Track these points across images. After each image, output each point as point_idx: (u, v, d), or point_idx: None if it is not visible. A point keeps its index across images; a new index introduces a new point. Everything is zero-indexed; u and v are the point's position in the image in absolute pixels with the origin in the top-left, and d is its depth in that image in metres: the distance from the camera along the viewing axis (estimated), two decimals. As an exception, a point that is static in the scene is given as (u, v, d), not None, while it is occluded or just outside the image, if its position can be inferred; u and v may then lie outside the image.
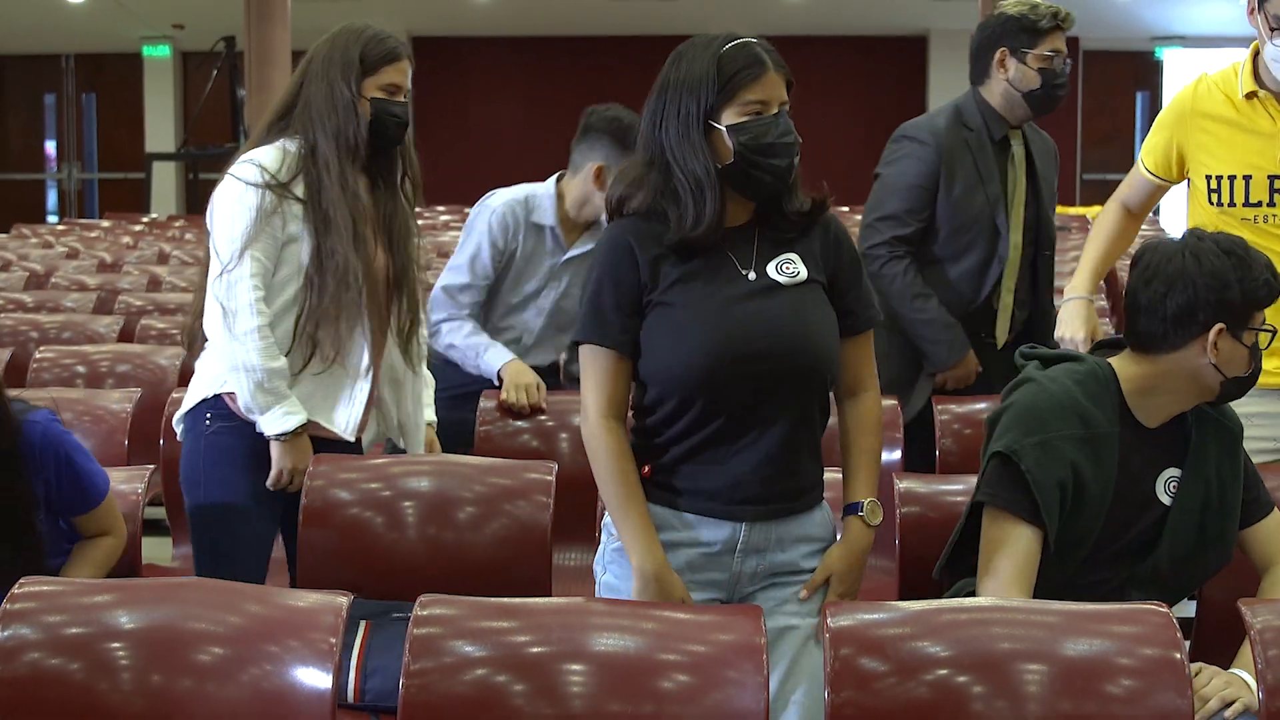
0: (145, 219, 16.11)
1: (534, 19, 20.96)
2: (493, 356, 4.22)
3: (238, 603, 2.36)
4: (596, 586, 2.77)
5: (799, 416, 2.66)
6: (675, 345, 2.61)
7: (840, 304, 2.71)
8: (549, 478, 3.28)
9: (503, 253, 4.31)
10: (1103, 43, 21.64)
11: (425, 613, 2.31)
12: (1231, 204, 3.50)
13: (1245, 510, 2.88)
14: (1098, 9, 19.92)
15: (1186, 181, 3.73)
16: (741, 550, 2.65)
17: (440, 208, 18.33)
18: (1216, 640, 2.91)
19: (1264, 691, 2.26)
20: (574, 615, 2.33)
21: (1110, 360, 2.88)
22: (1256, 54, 3.49)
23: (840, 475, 2.79)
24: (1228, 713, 2.50)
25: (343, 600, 2.33)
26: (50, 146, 23.25)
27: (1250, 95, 3.48)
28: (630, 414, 2.73)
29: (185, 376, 5.20)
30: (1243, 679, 2.55)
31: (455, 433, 3.98)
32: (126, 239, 12.62)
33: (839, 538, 2.77)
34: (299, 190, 3.30)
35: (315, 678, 2.25)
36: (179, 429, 3.46)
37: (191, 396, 3.41)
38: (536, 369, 4.25)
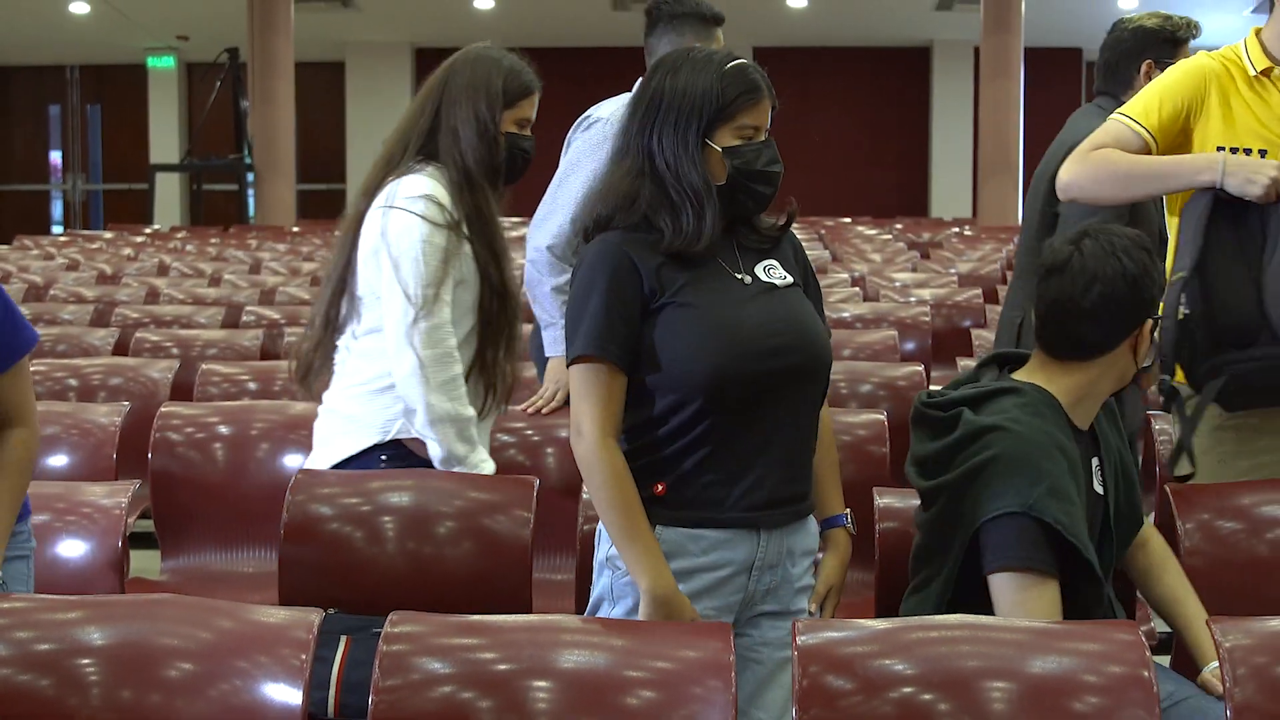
0: (148, 230, 16.15)
1: (536, 29, 20.95)
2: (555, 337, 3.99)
3: (209, 618, 2.37)
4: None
5: (808, 416, 2.69)
6: (697, 346, 2.57)
7: None
8: (529, 492, 3.29)
9: None
10: (1106, 54, 21.66)
11: (394, 630, 2.32)
12: None
13: None
14: (1102, 21, 19.74)
15: None
16: (758, 567, 2.64)
17: (443, 219, 18.37)
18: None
19: (1232, 710, 2.25)
20: (542, 632, 2.33)
21: (1033, 382, 2.82)
22: (1258, 34, 3.44)
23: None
24: None
25: (314, 616, 2.34)
26: (55, 157, 23.33)
27: (1265, 72, 3.41)
28: (626, 432, 2.65)
29: (177, 390, 5.22)
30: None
31: None
32: (128, 250, 12.65)
33: (822, 549, 2.80)
34: (465, 226, 3.28)
35: (285, 694, 2.26)
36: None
37: (355, 443, 3.30)
38: None
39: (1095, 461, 2.86)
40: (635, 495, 2.56)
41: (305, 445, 4.23)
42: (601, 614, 2.66)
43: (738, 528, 2.61)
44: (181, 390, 5.26)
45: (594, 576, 2.73)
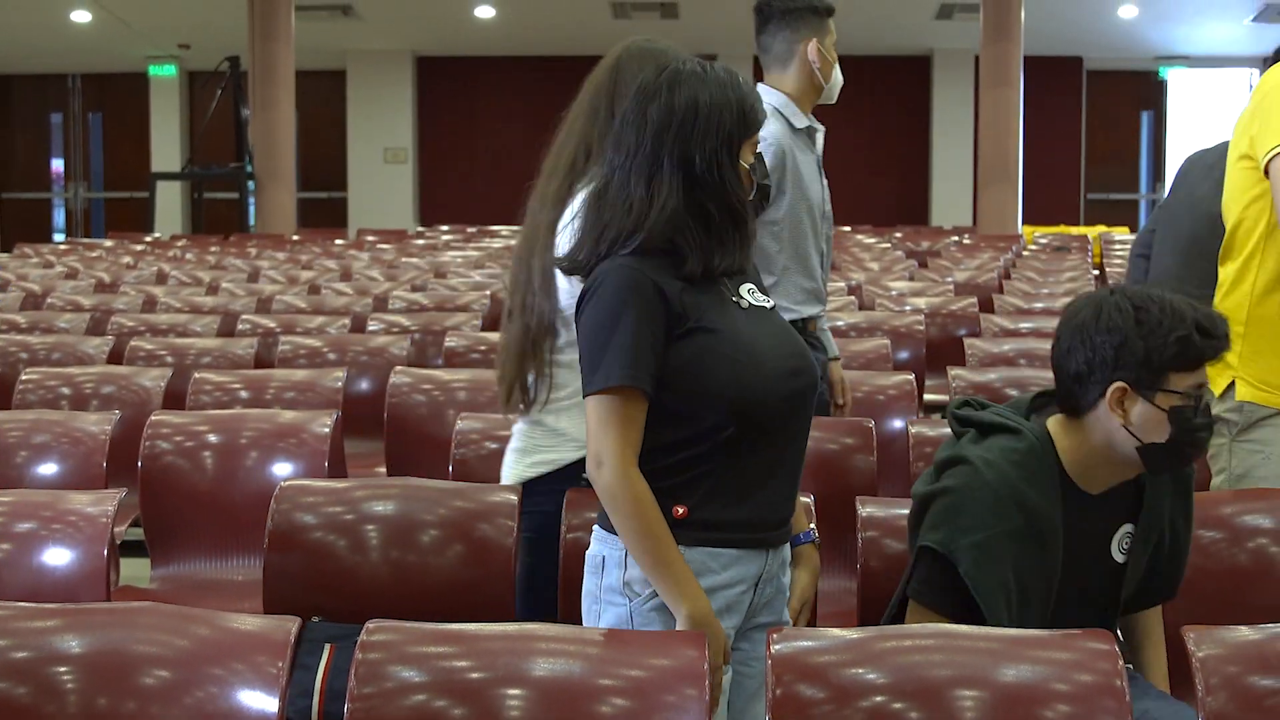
0: (148, 238, 16.17)
1: (538, 38, 21.03)
2: None
3: (185, 626, 2.38)
4: None
5: (807, 432, 2.72)
6: (730, 371, 2.55)
7: None
8: (513, 499, 3.30)
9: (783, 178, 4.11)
10: (1107, 63, 21.69)
11: (370, 638, 2.34)
12: None
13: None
14: (1102, 30, 19.98)
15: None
16: (763, 580, 2.65)
17: (443, 227, 18.39)
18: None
19: (1205, 719, 2.26)
20: (516, 640, 2.34)
21: (1049, 425, 2.77)
22: None
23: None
24: None
25: (290, 625, 2.35)
26: (57, 165, 23.36)
27: None
28: (643, 456, 2.59)
29: (170, 398, 5.24)
30: None
31: None
32: (127, 259, 12.67)
33: (793, 563, 2.81)
34: None
35: (261, 701, 2.27)
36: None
37: (559, 456, 3.23)
38: None
39: (1126, 528, 2.79)
40: (663, 521, 2.53)
41: (294, 454, 4.26)
42: None
43: (753, 546, 2.62)
44: (174, 399, 5.27)
45: (590, 605, 2.67)
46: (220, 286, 9.38)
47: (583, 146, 3.27)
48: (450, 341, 6.31)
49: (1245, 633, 2.37)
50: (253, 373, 5.55)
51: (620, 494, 2.52)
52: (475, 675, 2.26)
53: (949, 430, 2.92)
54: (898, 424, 4.83)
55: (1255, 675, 2.29)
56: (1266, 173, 3.22)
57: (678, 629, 2.49)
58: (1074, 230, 16.91)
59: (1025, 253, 12.88)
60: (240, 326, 7.16)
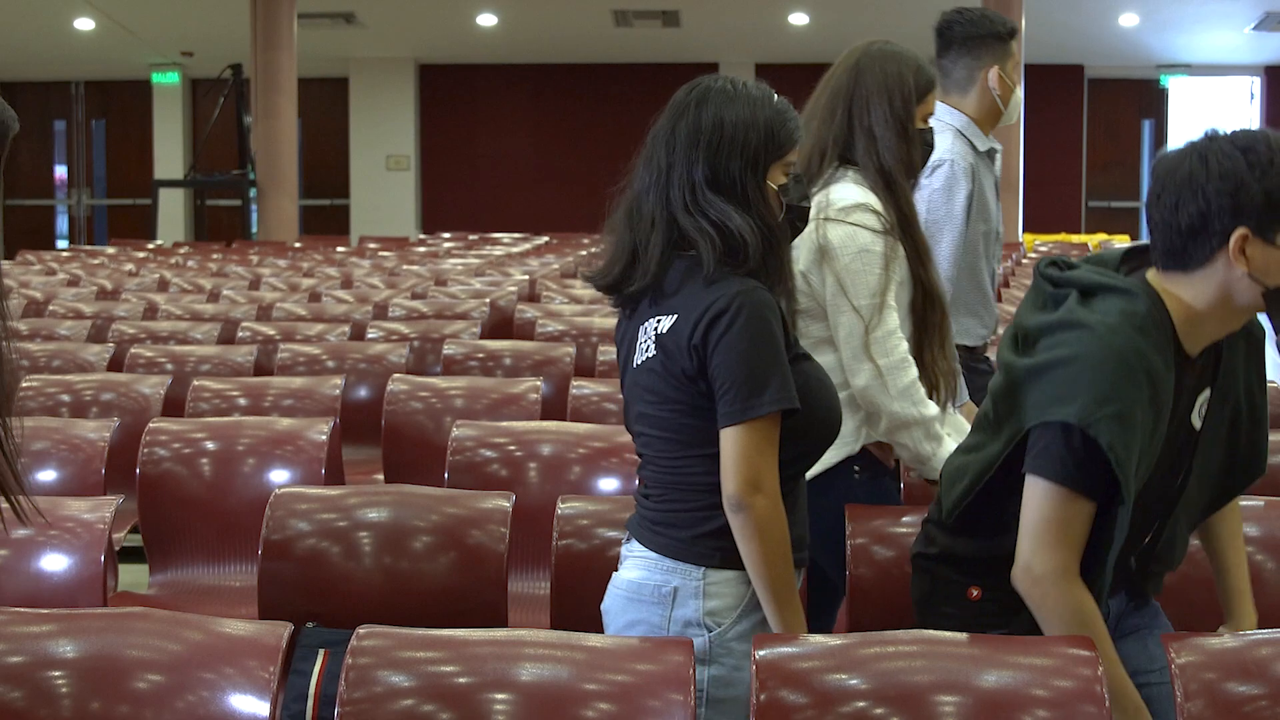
0: (150, 245, 16.21)
1: (540, 46, 21.08)
2: None
3: (178, 631, 2.42)
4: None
5: None
6: (830, 396, 2.64)
7: None
8: (506, 506, 3.34)
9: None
10: (1108, 70, 21.72)
11: (360, 643, 2.37)
12: None
13: None
14: (1103, 38, 20.01)
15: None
16: None
17: (445, 234, 18.43)
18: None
19: (1183, 723, 2.29)
20: (504, 646, 2.37)
21: (1155, 285, 2.54)
22: None
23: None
24: None
25: (282, 630, 2.38)
26: (60, 172, 23.41)
27: None
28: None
29: (170, 405, 5.27)
30: None
31: None
32: (129, 266, 12.71)
33: None
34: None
35: (253, 705, 2.30)
36: None
37: (829, 456, 3.14)
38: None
39: (1206, 394, 2.64)
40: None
41: (291, 460, 4.29)
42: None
43: (802, 566, 2.67)
44: (174, 406, 5.30)
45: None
46: (221, 294, 9.42)
47: (818, 150, 3.26)
48: (448, 349, 6.34)
49: (1224, 640, 2.40)
50: (251, 380, 5.58)
51: (773, 521, 2.51)
52: (463, 680, 2.29)
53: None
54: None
55: (1233, 682, 2.33)
56: None
57: None
58: (1075, 238, 16.95)
59: (1025, 261, 12.90)
60: (240, 334, 7.19)
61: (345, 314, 8.11)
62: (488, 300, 8.59)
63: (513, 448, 4.22)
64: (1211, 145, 2.46)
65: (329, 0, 18.51)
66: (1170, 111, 21.93)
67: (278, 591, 3.28)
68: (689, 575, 2.57)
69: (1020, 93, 4.18)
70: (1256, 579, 3.22)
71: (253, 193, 17.97)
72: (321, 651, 3.14)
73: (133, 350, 6.36)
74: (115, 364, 6.29)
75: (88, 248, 17.21)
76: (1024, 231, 16.72)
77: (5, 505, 2.49)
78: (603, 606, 2.73)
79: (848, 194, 3.19)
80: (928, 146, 3.31)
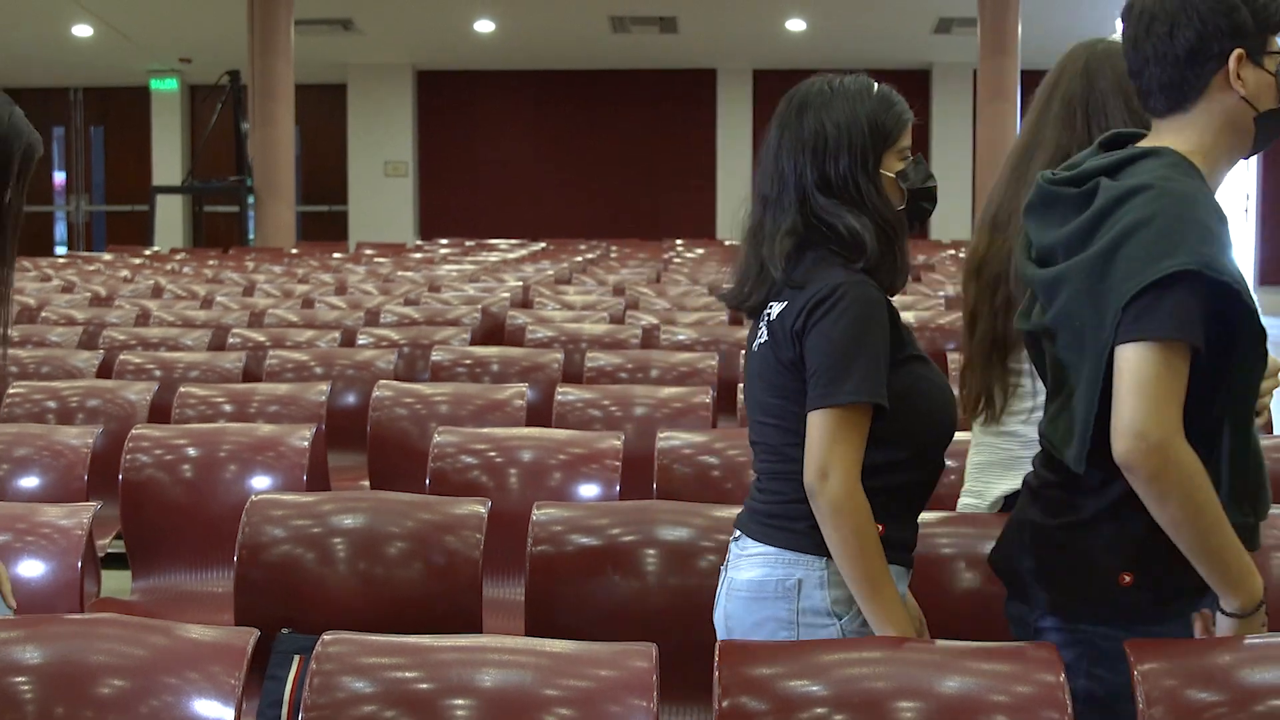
0: (147, 252, 16.22)
1: (537, 52, 21.10)
2: None
3: (143, 637, 2.43)
4: None
5: None
6: (941, 397, 2.62)
7: None
8: (481, 512, 3.34)
9: None
10: (1106, 76, 21.70)
11: (325, 650, 2.37)
12: None
13: None
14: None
15: None
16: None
17: (443, 240, 18.44)
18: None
19: (1144, 729, 2.30)
20: (467, 652, 2.38)
21: (1163, 145, 2.43)
22: None
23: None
24: None
25: (248, 636, 2.39)
26: (59, 178, 23.42)
27: None
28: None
29: (156, 411, 5.28)
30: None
31: None
32: (125, 272, 12.72)
33: None
34: None
35: (217, 711, 2.31)
36: None
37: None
38: None
39: None
40: (878, 538, 2.52)
41: (273, 467, 4.30)
42: None
43: (910, 566, 2.67)
44: (160, 412, 5.31)
45: (776, 632, 2.57)
46: (215, 300, 9.42)
47: (1060, 155, 3.08)
48: (436, 355, 6.35)
49: (1185, 646, 2.40)
50: (237, 386, 5.59)
51: (847, 509, 2.48)
52: (424, 686, 2.30)
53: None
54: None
55: (1194, 689, 2.32)
56: None
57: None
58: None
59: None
60: (231, 340, 7.19)
61: (337, 320, 8.12)
62: (480, 306, 8.59)
63: (493, 454, 4.23)
64: None
65: (327, 6, 18.53)
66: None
67: (253, 597, 3.29)
68: (812, 566, 2.56)
69: None
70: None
71: (250, 199, 17.98)
72: (297, 658, 3.15)
73: (122, 357, 6.36)
74: (104, 370, 6.30)
75: (84, 254, 17.22)
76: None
77: None
78: (719, 615, 2.68)
79: None
80: None
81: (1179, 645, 2.40)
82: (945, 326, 8.06)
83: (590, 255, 15.39)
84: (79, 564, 3.43)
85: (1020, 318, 2.59)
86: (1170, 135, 2.43)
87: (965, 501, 3.23)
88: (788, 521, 2.59)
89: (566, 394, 5.19)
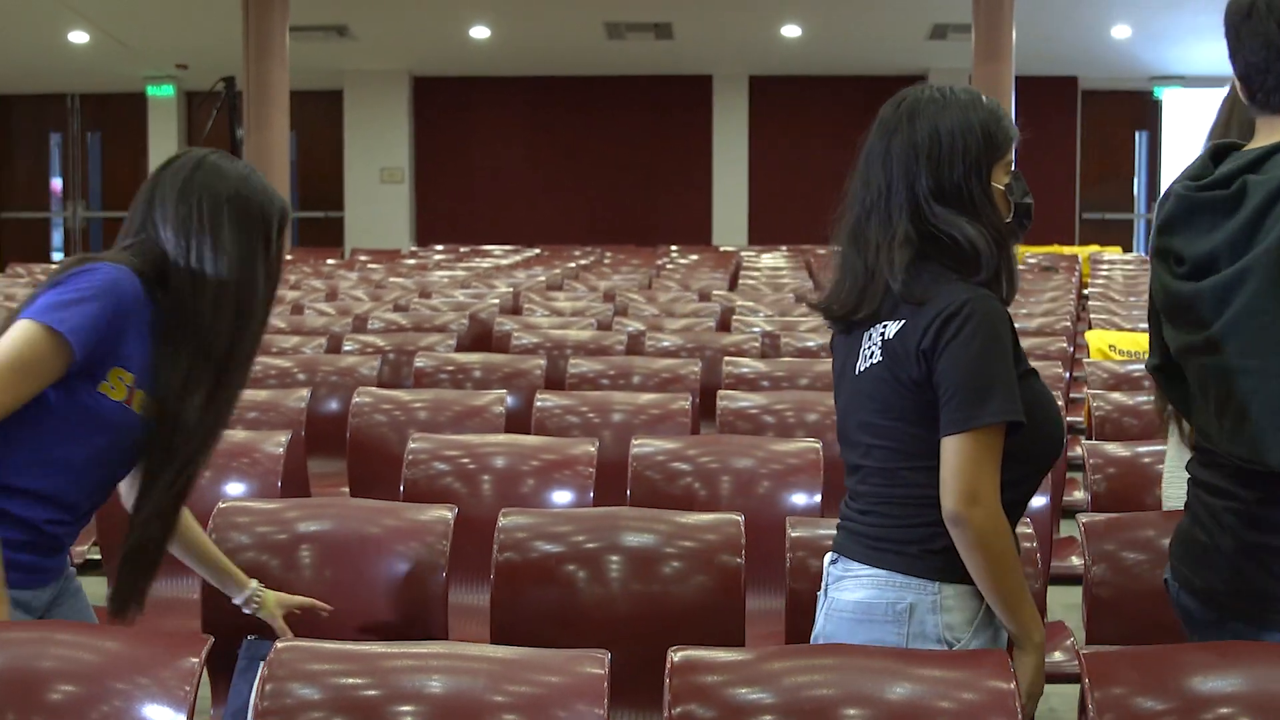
0: (142, 257, 16.20)
1: (533, 59, 21.10)
2: None
3: (95, 643, 2.43)
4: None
5: None
6: (1048, 414, 2.56)
7: None
8: (448, 518, 3.35)
9: None
10: (1102, 82, 21.73)
11: (277, 657, 2.38)
12: None
13: None
14: (1097, 49, 20.02)
15: None
16: None
17: (438, 247, 18.45)
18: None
19: (1094, 734, 2.30)
20: (417, 658, 2.38)
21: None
22: None
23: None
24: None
25: (200, 644, 2.39)
26: (56, 184, 23.44)
27: None
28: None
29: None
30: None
31: None
32: (118, 278, 12.70)
33: None
34: None
35: (167, 716, 2.30)
36: None
37: None
38: None
39: None
40: (1018, 557, 2.50)
41: (247, 473, 4.30)
42: None
43: None
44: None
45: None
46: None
47: None
48: (420, 362, 6.36)
49: (1136, 653, 2.41)
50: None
51: (996, 532, 2.44)
52: (372, 693, 2.30)
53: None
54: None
55: (1144, 697, 2.33)
56: None
57: (1034, 660, 2.50)
58: (1066, 250, 16.95)
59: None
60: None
61: (324, 326, 8.13)
62: (468, 313, 8.60)
63: (465, 460, 4.24)
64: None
65: (322, 13, 18.53)
66: (1164, 123, 21.94)
67: (220, 604, 3.28)
68: (924, 590, 2.50)
69: None
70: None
71: (245, 205, 17.92)
72: (263, 664, 3.14)
73: (105, 363, 6.34)
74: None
75: (79, 260, 17.20)
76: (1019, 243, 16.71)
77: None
78: (818, 634, 2.64)
79: None
80: None
81: (1130, 654, 2.41)
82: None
83: (584, 261, 15.40)
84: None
85: (1155, 353, 2.57)
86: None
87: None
88: (899, 545, 2.53)
89: (545, 400, 5.20)
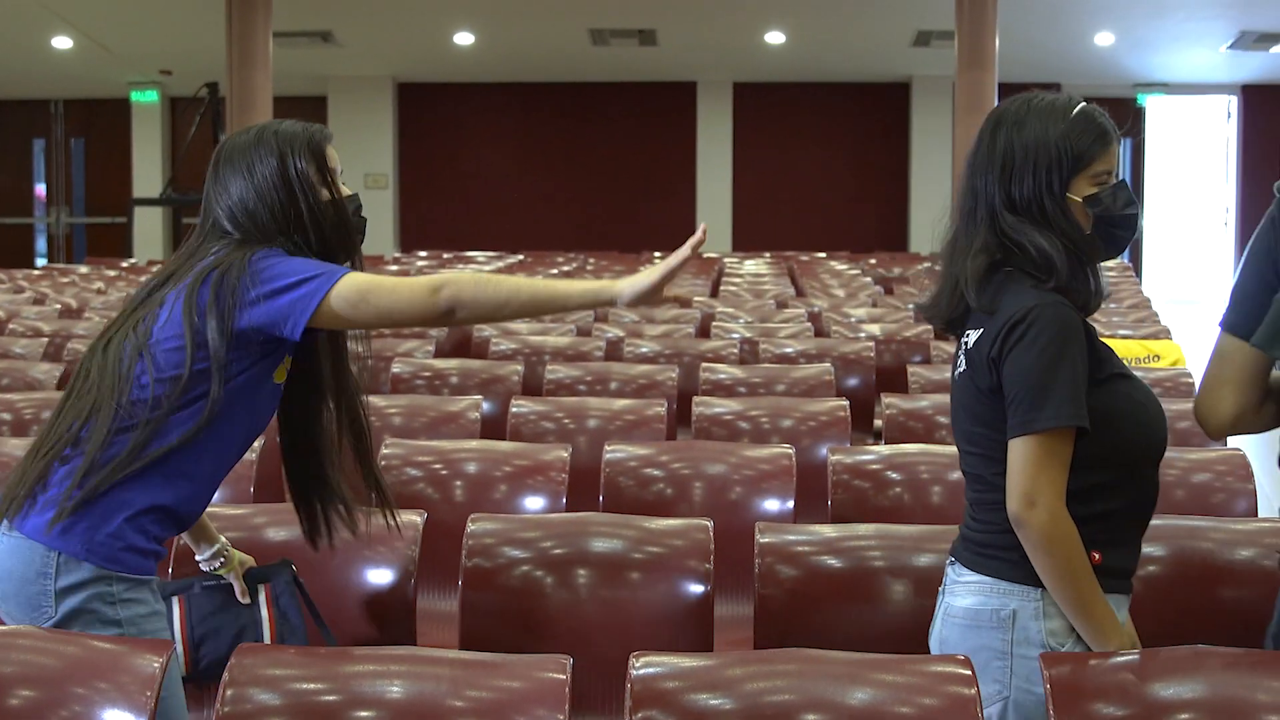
0: (124, 264, 16.20)
1: (516, 65, 21.11)
2: None
3: (55, 647, 2.42)
4: (1000, 711, 2.52)
5: None
6: (1146, 416, 2.57)
7: None
8: (417, 522, 3.34)
9: None
10: (1085, 89, 21.60)
11: (238, 660, 2.38)
12: None
13: None
14: (1080, 56, 20.07)
15: None
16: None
17: (422, 253, 18.44)
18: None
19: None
20: (376, 662, 2.38)
21: None
22: None
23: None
24: None
25: (163, 649, 2.39)
26: (40, 190, 23.39)
27: None
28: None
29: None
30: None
31: None
32: (99, 284, 12.70)
33: None
34: None
35: (127, 721, 2.30)
36: None
37: None
38: None
39: None
40: (1089, 563, 2.49)
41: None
42: (987, 701, 2.47)
43: (1128, 593, 2.62)
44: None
45: (990, 661, 2.53)
46: (184, 312, 9.38)
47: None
48: (396, 367, 6.35)
49: (1096, 659, 2.41)
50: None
51: (1057, 535, 2.45)
52: (331, 698, 2.30)
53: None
54: (823, 451, 4.87)
55: (1103, 702, 2.33)
56: None
57: None
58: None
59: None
60: (194, 352, 7.14)
61: (303, 332, 8.10)
62: (448, 319, 8.58)
63: (438, 466, 4.23)
64: None
65: (306, 19, 18.52)
66: (1148, 130, 22.01)
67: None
68: (1027, 596, 2.53)
69: None
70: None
71: (229, 211, 17.89)
72: (175, 599, 3.06)
73: (82, 368, 6.32)
74: (65, 383, 6.27)
75: (61, 266, 17.18)
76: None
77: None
78: (935, 639, 2.66)
79: None
80: None
81: (1089, 658, 2.42)
82: (911, 339, 8.07)
83: (567, 268, 15.40)
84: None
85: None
86: None
87: None
88: (1000, 551, 2.55)
89: (521, 406, 5.19)
